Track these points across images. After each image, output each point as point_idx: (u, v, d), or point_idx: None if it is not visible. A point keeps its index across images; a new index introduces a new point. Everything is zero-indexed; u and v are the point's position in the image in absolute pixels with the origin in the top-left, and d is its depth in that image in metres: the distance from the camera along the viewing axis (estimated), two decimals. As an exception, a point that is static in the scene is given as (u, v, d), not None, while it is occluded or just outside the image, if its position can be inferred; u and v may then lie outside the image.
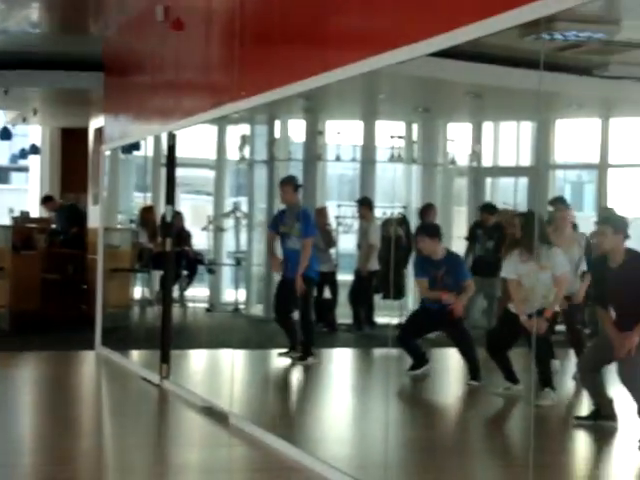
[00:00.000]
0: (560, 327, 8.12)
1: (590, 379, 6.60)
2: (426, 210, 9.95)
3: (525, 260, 7.19)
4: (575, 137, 11.15)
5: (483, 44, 6.29)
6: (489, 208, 9.61)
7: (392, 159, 10.52)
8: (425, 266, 8.07)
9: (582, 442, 6.77)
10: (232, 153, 11.27)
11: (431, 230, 8.12)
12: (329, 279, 10.25)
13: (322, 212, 10.33)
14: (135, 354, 10.42)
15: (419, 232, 8.11)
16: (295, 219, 8.92)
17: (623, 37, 7.81)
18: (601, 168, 10.78)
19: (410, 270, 10.00)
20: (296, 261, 8.84)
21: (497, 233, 8.47)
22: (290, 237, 8.93)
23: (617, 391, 6.39)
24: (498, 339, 7.55)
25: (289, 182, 9.14)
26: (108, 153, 11.64)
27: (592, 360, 6.65)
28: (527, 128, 10.64)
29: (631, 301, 6.35)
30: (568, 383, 8.08)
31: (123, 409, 7.97)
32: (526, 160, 11.07)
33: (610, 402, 6.54)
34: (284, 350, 9.16)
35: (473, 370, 7.93)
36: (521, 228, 7.36)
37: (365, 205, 9.93)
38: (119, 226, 13.06)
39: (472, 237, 9.45)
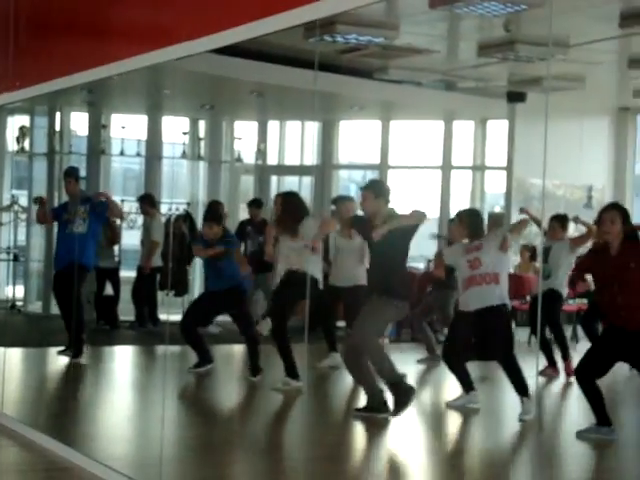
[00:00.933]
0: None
1: (356, 368, 6.78)
2: (213, 206, 9.97)
3: (281, 234, 7.70)
4: (358, 138, 11.45)
5: (268, 43, 6.35)
6: (256, 203, 9.81)
7: (177, 155, 10.47)
8: (204, 244, 8.32)
9: (356, 434, 6.94)
10: (11, 144, 10.88)
11: (217, 217, 8.48)
12: (111, 275, 10.07)
13: (105, 207, 10.13)
14: None
15: (206, 219, 8.44)
16: (80, 204, 8.74)
17: (402, 42, 8.09)
18: (382, 169, 11.12)
19: (195, 267, 10.00)
20: (78, 246, 8.61)
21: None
22: (74, 221, 8.68)
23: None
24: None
25: (71, 173, 9.01)
26: None
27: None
28: (311, 128, 10.83)
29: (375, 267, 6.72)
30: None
31: None
32: (310, 159, 11.27)
33: (380, 392, 6.73)
34: (62, 348, 8.92)
35: (254, 365, 7.99)
36: (281, 206, 7.74)
37: (147, 201, 9.82)
38: None
39: (242, 234, 9.54)
